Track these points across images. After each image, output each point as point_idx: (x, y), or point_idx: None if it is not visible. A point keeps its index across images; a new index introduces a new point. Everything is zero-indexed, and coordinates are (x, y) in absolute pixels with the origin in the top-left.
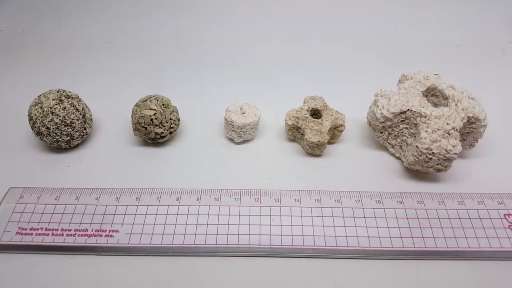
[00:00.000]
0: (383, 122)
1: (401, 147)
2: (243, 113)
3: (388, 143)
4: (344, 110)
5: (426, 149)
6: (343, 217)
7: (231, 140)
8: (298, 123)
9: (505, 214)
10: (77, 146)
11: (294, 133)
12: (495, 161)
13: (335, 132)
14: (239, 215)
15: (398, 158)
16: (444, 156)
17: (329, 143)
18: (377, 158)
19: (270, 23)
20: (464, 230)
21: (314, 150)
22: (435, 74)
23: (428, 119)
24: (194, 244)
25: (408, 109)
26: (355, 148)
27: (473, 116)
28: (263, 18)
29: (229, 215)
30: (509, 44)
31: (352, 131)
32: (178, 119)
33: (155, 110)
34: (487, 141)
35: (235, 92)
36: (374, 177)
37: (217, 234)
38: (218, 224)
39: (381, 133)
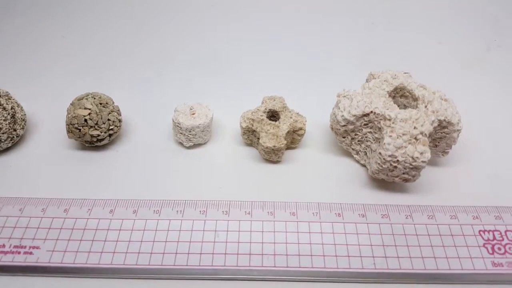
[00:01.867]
0: (344, 125)
1: (366, 154)
2: (193, 114)
3: (352, 149)
4: (309, 112)
5: (390, 156)
6: (297, 232)
7: (181, 144)
8: (253, 125)
9: (480, 231)
10: (6, 149)
11: (250, 136)
12: (471, 170)
13: (294, 136)
14: (180, 230)
15: (364, 165)
16: (411, 165)
17: (289, 148)
18: (340, 165)
19: (229, 15)
20: (433, 249)
21: (271, 156)
22: (405, 73)
23: (393, 123)
24: (124, 264)
25: (371, 111)
26: (318, 154)
27: (444, 120)
28: (221, 9)
29: (168, 230)
30: (494, 42)
31: (316, 135)
32: (119, 120)
33: (90, 109)
34: (463, 148)
35: (189, 91)
36: (336, 187)
37: (151, 253)
38: (154, 241)
39: (343, 137)
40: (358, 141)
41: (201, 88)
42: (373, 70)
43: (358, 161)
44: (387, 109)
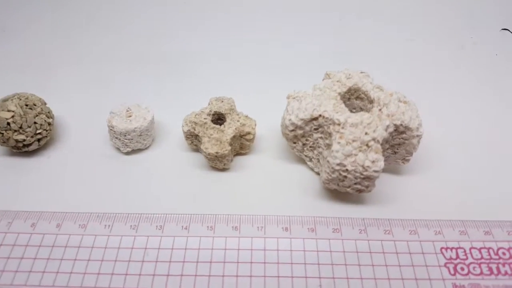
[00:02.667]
0: (293, 130)
1: (319, 161)
2: (129, 116)
3: (305, 155)
4: (265, 115)
5: (338, 165)
6: (238, 249)
7: (118, 149)
8: (195, 129)
9: (442, 248)
10: None
11: (194, 141)
12: (436, 179)
13: (242, 142)
14: (106, 247)
15: (318, 173)
16: (362, 174)
17: (239, 154)
18: (294, 173)
19: (177, 10)
20: (387, 269)
21: (216, 163)
22: (362, 72)
23: (342, 128)
24: (39, 286)
25: (320, 115)
26: (270, 160)
27: (401, 124)
28: (168, 5)
29: (92, 247)
30: (470, 40)
31: (270, 140)
32: (49, 123)
33: (13, 111)
34: (427, 154)
35: (133, 92)
36: (286, 197)
37: (71, 272)
38: (75, 260)
39: (294, 143)
40: (310, 147)
41: (146, 88)
42: (329, 70)
43: (312, 169)
44: (337, 112)
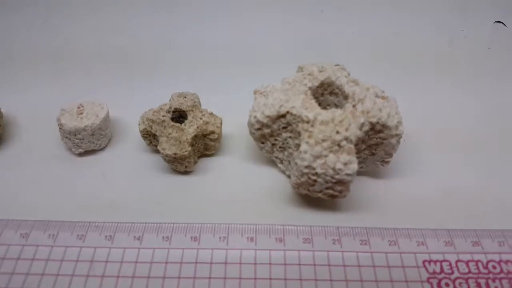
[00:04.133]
0: (259, 128)
1: (290, 163)
2: (80, 113)
3: (275, 157)
4: (236, 112)
5: (307, 167)
6: (196, 263)
7: (71, 150)
8: (152, 128)
9: (424, 261)
10: None
11: (153, 141)
12: (419, 184)
13: (206, 142)
14: (48, 259)
15: (290, 176)
16: (333, 178)
17: (204, 155)
18: (264, 176)
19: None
20: (362, 285)
21: (176, 166)
22: (337, 65)
23: (311, 126)
24: None
25: (288, 112)
26: (239, 162)
27: (378, 122)
28: None
29: (33, 259)
30: (460, 34)
31: (240, 140)
32: None
33: None
34: (410, 156)
35: (91, 88)
36: (254, 203)
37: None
38: (13, 274)
39: (262, 143)
40: (280, 147)
41: (105, 84)
42: (303, 63)
43: (283, 172)
44: (306, 109)
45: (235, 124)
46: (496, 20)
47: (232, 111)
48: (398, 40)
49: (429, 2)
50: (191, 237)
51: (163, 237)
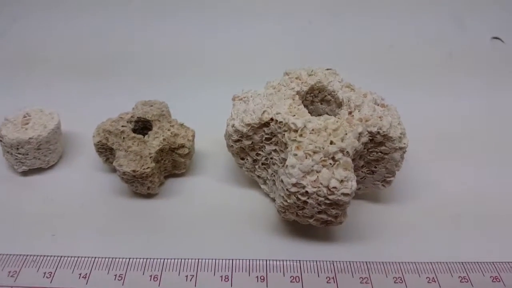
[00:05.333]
0: (238, 140)
1: (275, 183)
2: (26, 123)
3: (258, 176)
4: (210, 125)
5: (294, 185)
6: None
7: (13, 168)
8: (108, 140)
9: None
10: None
11: (110, 157)
12: (427, 209)
13: (175, 158)
14: None
15: (275, 199)
16: (327, 199)
17: (173, 175)
18: (243, 200)
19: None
20: None
21: (136, 187)
22: (328, 69)
23: (300, 135)
24: None
25: (272, 119)
26: (213, 183)
27: (379, 132)
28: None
29: None
30: (459, 47)
31: (216, 157)
32: None
33: None
34: (414, 176)
35: (49, 97)
36: (231, 233)
37: None
38: None
39: (242, 159)
40: (263, 164)
41: (64, 93)
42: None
43: (267, 194)
44: (293, 115)
45: (211, 139)
46: (494, 36)
47: (209, 124)
48: (394, 52)
49: (426, 16)
50: (151, 276)
51: (115, 276)
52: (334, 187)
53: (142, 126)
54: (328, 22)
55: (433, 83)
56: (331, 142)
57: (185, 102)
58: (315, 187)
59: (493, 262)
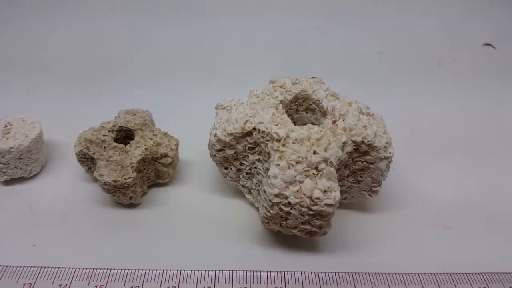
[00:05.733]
0: (221, 149)
1: (259, 192)
2: (7, 133)
3: (242, 185)
4: (195, 135)
5: (277, 196)
6: None
7: None
8: (89, 150)
9: None
10: None
11: (92, 167)
12: (412, 217)
13: (158, 168)
14: None
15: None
16: (311, 210)
17: (157, 184)
18: (227, 210)
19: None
20: None
21: (118, 197)
22: (313, 78)
23: (283, 145)
24: None
25: (255, 128)
26: (197, 193)
27: (363, 142)
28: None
29: None
30: (448, 54)
31: (200, 167)
32: None
33: None
34: (402, 185)
35: (30, 104)
36: (214, 244)
37: None
38: None
39: (226, 168)
40: (247, 173)
41: (46, 101)
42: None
43: (252, 204)
44: (276, 124)
45: (196, 148)
46: (485, 43)
47: (195, 134)
48: (383, 59)
49: (416, 22)
50: (131, 287)
51: (96, 287)
52: (317, 198)
53: (125, 135)
54: (317, 29)
55: (422, 91)
56: (314, 152)
57: (171, 111)
58: (298, 198)
59: (481, 273)
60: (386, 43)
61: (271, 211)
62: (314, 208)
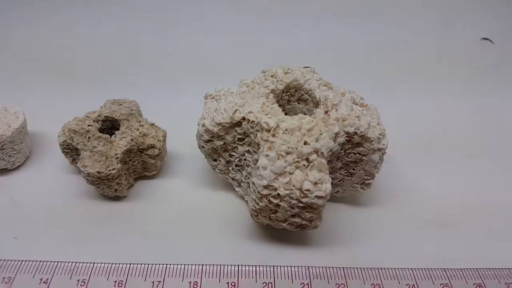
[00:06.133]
0: (209, 140)
1: (249, 185)
2: None
3: (232, 178)
4: (184, 126)
5: (266, 187)
6: None
7: None
8: (73, 140)
9: None
10: None
11: (77, 159)
12: (406, 212)
13: (145, 159)
14: None
15: None
16: (300, 202)
17: (144, 177)
18: (216, 203)
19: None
20: None
21: (103, 189)
22: (305, 67)
23: (272, 135)
24: None
25: (244, 118)
26: (186, 186)
27: (356, 133)
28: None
29: None
30: (446, 48)
31: (189, 159)
32: None
33: None
34: (395, 179)
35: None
36: (202, 238)
37: None
38: None
39: (214, 160)
40: (236, 165)
41: (30, 90)
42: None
43: (242, 197)
44: (266, 114)
45: (185, 139)
46: (483, 37)
47: (184, 125)
48: (380, 54)
49: (413, 16)
50: (115, 282)
51: (78, 281)
52: (308, 190)
53: (110, 126)
54: (315, 24)
55: (419, 86)
56: (305, 143)
57: (160, 101)
58: (287, 190)
59: (476, 269)
60: (383, 38)
61: (260, 204)
62: (304, 200)
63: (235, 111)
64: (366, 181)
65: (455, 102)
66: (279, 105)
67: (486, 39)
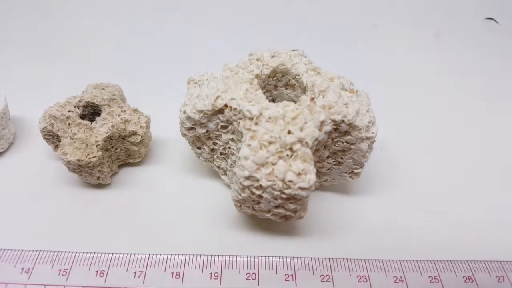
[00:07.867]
0: (191, 128)
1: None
2: None
3: (217, 166)
4: (169, 113)
5: (247, 178)
6: None
7: None
8: (53, 127)
9: None
10: None
11: (58, 144)
12: (395, 201)
13: (128, 146)
14: None
15: None
16: (283, 193)
17: (128, 164)
18: (201, 192)
19: None
20: None
21: (85, 177)
22: (294, 50)
23: (255, 123)
24: None
25: (226, 105)
26: (171, 174)
27: (343, 121)
28: None
29: None
30: (446, 28)
31: (175, 146)
32: None
33: None
34: (384, 166)
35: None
36: (185, 227)
37: None
38: None
39: (198, 148)
40: (221, 153)
41: (18, 75)
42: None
43: (228, 186)
44: (249, 101)
45: (171, 126)
46: (487, 17)
47: (169, 111)
48: (377, 32)
49: None
50: (97, 272)
51: (59, 271)
52: (290, 181)
53: (93, 111)
54: (310, 1)
55: (417, 66)
56: (289, 132)
57: (146, 85)
58: (269, 181)
59: (467, 261)
60: (380, 14)
61: (242, 194)
62: (287, 191)
63: (217, 97)
64: (355, 170)
65: (454, 85)
66: (266, 91)
67: (490, 18)
